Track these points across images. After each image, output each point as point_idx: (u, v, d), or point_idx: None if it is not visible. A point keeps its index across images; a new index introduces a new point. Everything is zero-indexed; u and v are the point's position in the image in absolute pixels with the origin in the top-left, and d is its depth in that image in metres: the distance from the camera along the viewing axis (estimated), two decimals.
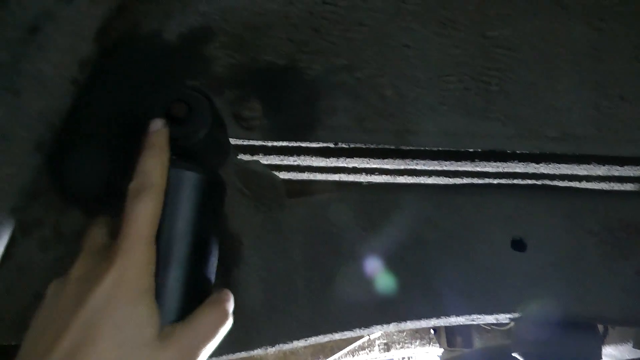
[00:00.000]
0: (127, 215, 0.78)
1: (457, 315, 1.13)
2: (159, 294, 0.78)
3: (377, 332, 3.02)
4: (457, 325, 2.85)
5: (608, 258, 1.17)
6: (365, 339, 3.02)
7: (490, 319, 1.17)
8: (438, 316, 1.13)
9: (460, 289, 1.13)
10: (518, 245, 1.16)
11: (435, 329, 3.09)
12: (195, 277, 0.84)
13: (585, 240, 1.17)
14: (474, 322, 1.19)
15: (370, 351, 3.04)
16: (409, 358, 4.28)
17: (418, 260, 1.14)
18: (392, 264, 1.13)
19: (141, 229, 0.77)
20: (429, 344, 3.07)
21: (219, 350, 1.09)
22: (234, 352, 1.11)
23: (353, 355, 3.02)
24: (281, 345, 1.11)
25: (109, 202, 0.94)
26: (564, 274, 1.16)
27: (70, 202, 0.95)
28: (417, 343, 3.05)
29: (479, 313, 1.14)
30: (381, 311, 1.12)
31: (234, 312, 1.10)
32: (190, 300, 0.82)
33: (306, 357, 3.01)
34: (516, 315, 1.15)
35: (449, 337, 2.97)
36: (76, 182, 0.95)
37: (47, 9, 0.79)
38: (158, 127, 0.85)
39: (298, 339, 1.11)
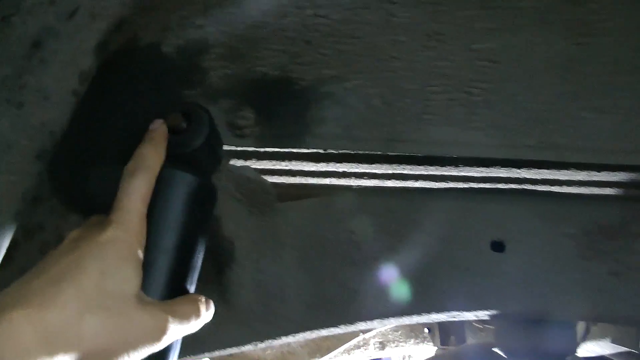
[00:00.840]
0: (122, 190, 0.86)
1: (438, 312, 1.18)
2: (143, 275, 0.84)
3: (372, 332, 3.07)
4: (450, 324, 2.89)
5: (584, 259, 1.22)
6: (360, 338, 3.07)
7: (469, 315, 1.22)
8: (419, 313, 1.18)
9: (441, 288, 1.19)
10: (497, 246, 1.21)
11: (430, 328, 3.14)
12: (177, 268, 0.90)
13: (563, 242, 1.23)
14: (455, 319, 1.24)
15: (365, 350, 3.09)
16: (409, 357, 4.33)
17: (402, 262, 1.19)
18: (378, 264, 1.18)
19: (134, 202, 0.84)
20: (423, 342, 3.12)
21: (211, 346, 1.15)
22: (225, 347, 1.16)
23: (349, 354, 3.07)
24: (270, 341, 1.17)
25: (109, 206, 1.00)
26: (541, 274, 1.21)
27: (71, 207, 1.00)
28: (412, 342, 3.09)
29: (459, 310, 1.19)
30: (366, 309, 1.17)
31: (227, 310, 1.16)
32: (170, 286, 0.88)
33: (303, 357, 3.06)
34: (495, 312, 1.20)
35: (442, 336, 3.01)
36: (80, 189, 1.00)
37: (49, 25, 0.84)
38: (157, 126, 0.93)
39: (287, 335, 1.16)
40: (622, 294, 1.23)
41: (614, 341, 1.70)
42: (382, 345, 3.10)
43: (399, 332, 3.10)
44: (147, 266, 0.85)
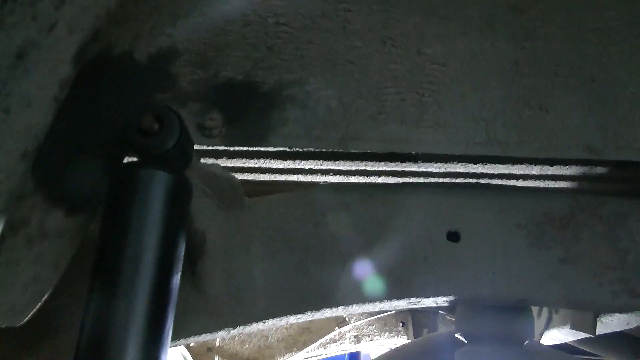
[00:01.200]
0: None
1: (398, 299, 1.27)
2: (130, 276, 0.93)
3: (347, 326, 3.16)
4: (423, 317, 2.97)
5: (535, 248, 1.31)
6: (336, 332, 3.15)
7: (429, 302, 1.31)
8: (381, 300, 1.27)
9: (399, 277, 1.27)
10: (453, 236, 1.30)
11: (404, 321, 3.23)
12: (163, 260, 0.99)
13: (514, 232, 1.32)
14: (415, 306, 1.32)
15: (341, 344, 3.18)
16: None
17: (362, 252, 1.28)
18: (340, 255, 1.27)
19: None
20: (397, 336, 3.21)
21: (186, 333, 1.24)
22: (199, 334, 1.25)
23: (325, 348, 3.16)
24: (242, 327, 1.25)
25: (89, 203, 1.09)
26: (495, 263, 1.30)
27: (54, 203, 1.07)
28: (386, 335, 3.19)
29: (418, 297, 1.28)
30: (329, 297, 1.26)
31: (200, 299, 1.24)
32: (158, 277, 0.97)
33: (280, 351, 3.15)
34: (451, 298, 1.29)
35: (415, 328, 3.12)
36: (64, 185, 1.08)
37: (31, 38, 0.91)
38: None
39: (257, 321, 1.25)
40: (572, 279, 1.32)
41: (572, 327, 1.79)
42: (357, 339, 3.20)
43: (374, 326, 3.19)
44: (134, 262, 0.94)
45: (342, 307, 1.27)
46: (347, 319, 3.16)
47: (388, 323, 3.21)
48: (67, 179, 1.08)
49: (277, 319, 1.26)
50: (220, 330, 1.25)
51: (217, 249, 1.25)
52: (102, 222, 1.03)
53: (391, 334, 3.21)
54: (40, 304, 1.08)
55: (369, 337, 3.20)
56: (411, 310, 3.18)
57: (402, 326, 3.23)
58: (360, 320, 3.16)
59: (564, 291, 1.32)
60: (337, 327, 3.14)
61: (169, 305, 1.01)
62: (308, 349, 3.12)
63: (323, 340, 3.13)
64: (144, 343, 0.95)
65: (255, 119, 1.20)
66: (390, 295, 1.27)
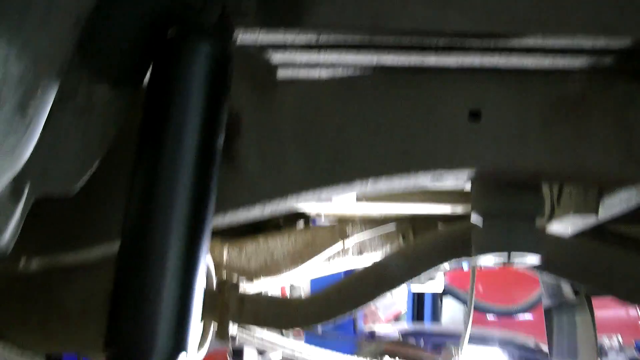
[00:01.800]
0: None
1: (425, 171, 1.35)
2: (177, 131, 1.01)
3: (350, 239, 3.25)
4: (424, 229, 3.01)
5: (548, 123, 1.39)
6: (340, 244, 3.24)
7: (451, 177, 1.39)
8: (408, 171, 1.34)
9: (424, 151, 1.35)
10: (474, 116, 1.37)
11: (405, 235, 3.32)
12: (209, 124, 1.05)
13: (530, 110, 1.39)
14: (440, 179, 1.39)
15: (344, 256, 3.28)
16: None
17: (389, 129, 1.34)
18: (368, 132, 1.34)
19: None
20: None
21: (224, 208, 1.30)
22: (236, 208, 1.32)
23: (329, 261, 3.26)
24: (277, 201, 1.32)
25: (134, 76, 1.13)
26: (512, 140, 1.38)
27: (99, 76, 1.11)
28: (388, 247, 3.29)
29: (443, 168, 1.35)
30: (359, 169, 1.33)
31: (236, 176, 1.30)
32: (204, 140, 1.03)
33: (286, 265, 3.24)
34: (472, 171, 1.37)
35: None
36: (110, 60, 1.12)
37: None
38: None
39: (291, 194, 1.32)
40: (583, 154, 1.40)
41: (576, 210, 1.84)
42: (360, 251, 3.30)
43: (375, 240, 3.29)
44: (181, 125, 1.00)
45: (372, 178, 1.34)
46: (349, 234, 3.25)
47: (390, 235, 3.30)
48: (113, 54, 1.12)
49: (311, 192, 1.33)
50: (256, 203, 1.33)
51: (251, 129, 1.31)
52: (147, 88, 1.08)
53: (392, 246, 3.30)
54: (91, 171, 1.13)
55: (371, 248, 3.30)
56: (411, 220, 3.26)
57: (404, 239, 3.32)
58: (362, 232, 3.25)
59: (575, 165, 1.41)
60: (340, 240, 3.23)
61: (214, 160, 1.07)
62: (312, 261, 3.21)
63: (326, 252, 3.22)
64: (192, 196, 1.02)
65: (287, 1, 1.24)
66: (416, 167, 1.35)
